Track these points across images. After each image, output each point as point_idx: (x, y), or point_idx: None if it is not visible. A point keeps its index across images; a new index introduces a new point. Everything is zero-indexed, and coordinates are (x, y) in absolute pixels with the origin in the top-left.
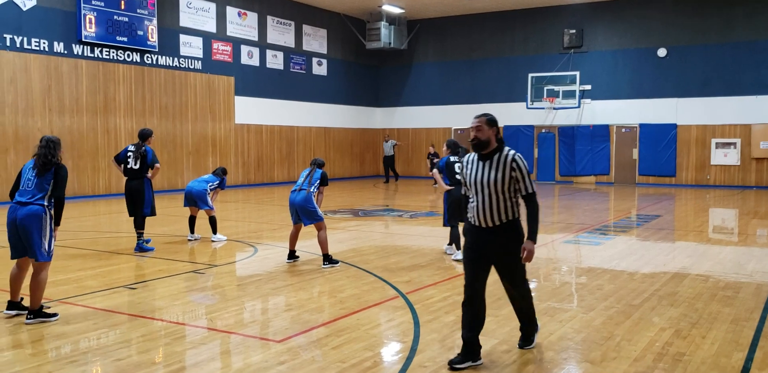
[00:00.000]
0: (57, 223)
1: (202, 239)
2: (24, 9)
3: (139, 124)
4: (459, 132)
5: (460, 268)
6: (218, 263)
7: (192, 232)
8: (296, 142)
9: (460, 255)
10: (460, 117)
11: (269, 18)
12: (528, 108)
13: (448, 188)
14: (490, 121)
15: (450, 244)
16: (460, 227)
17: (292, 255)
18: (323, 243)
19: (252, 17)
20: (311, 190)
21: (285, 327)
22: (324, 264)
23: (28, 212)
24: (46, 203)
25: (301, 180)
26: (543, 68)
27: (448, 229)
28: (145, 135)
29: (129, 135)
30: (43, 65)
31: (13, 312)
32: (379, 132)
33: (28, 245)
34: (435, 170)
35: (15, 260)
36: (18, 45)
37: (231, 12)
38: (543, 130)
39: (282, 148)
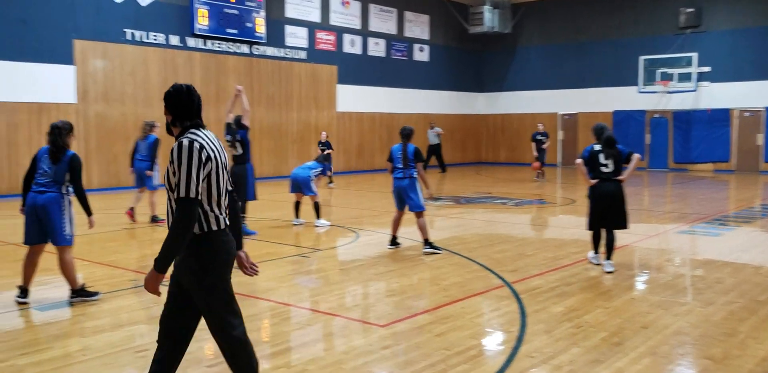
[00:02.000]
0: (88, 213)
1: (306, 224)
2: (143, 5)
3: None
4: (566, 117)
5: (567, 259)
6: (322, 248)
7: (297, 216)
8: (397, 129)
9: (597, 259)
10: (566, 102)
11: (372, 6)
12: (639, 92)
13: (592, 182)
14: (167, 95)
15: (597, 252)
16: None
17: (394, 241)
18: (423, 228)
19: (355, 6)
20: (414, 175)
21: (388, 312)
22: (425, 248)
23: (47, 199)
24: (63, 191)
25: (399, 164)
26: (655, 50)
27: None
28: (240, 122)
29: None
30: (160, 58)
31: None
32: (481, 118)
33: (50, 230)
34: (579, 161)
35: (28, 248)
36: (138, 39)
37: (334, 1)
38: (655, 115)
39: (383, 136)
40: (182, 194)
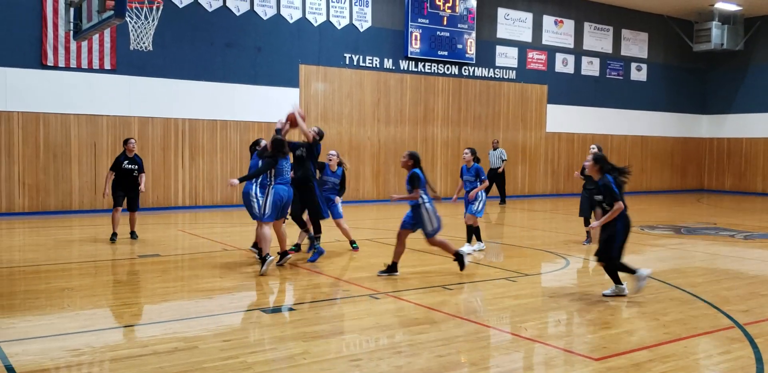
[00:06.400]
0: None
1: (514, 247)
2: (361, 30)
3: (453, 133)
4: None
5: None
6: (529, 273)
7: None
8: (610, 152)
9: None
10: None
11: (586, 24)
12: None
13: None
14: None
15: None
16: None
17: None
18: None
19: (568, 24)
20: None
21: (602, 345)
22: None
23: None
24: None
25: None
26: None
27: None
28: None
29: (444, 144)
30: (374, 80)
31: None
32: (705, 142)
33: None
34: None
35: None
36: (355, 63)
37: (547, 21)
38: None
39: None
40: None
